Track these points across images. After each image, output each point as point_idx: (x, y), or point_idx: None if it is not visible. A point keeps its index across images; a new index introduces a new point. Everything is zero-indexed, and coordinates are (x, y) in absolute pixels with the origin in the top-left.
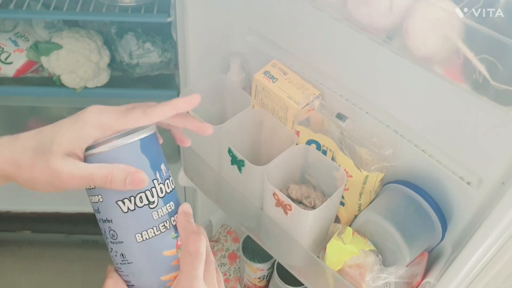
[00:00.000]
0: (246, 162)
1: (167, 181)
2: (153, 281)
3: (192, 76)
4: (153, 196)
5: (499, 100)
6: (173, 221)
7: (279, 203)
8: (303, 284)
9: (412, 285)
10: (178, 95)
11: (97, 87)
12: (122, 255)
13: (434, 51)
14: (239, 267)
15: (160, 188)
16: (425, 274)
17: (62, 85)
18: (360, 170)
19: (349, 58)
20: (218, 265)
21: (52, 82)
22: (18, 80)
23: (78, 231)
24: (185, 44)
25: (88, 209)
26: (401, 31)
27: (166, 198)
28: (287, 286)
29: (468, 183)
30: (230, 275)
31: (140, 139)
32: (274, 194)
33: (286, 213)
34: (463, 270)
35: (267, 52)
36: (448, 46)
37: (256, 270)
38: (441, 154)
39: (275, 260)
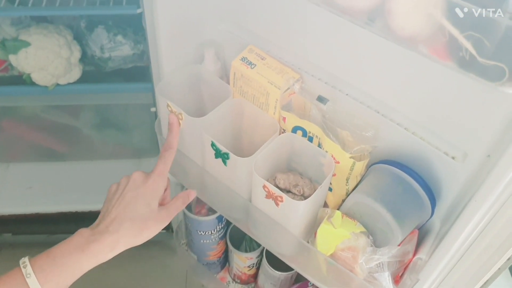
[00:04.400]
0: (231, 155)
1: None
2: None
3: (166, 69)
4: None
5: (487, 76)
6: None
7: (269, 195)
8: (293, 269)
9: (404, 262)
10: (153, 87)
11: (69, 83)
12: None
13: (418, 31)
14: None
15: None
16: (416, 251)
17: (33, 83)
18: (347, 155)
19: (328, 41)
20: None
21: (22, 80)
22: None
23: (60, 230)
24: (156, 35)
25: (68, 208)
26: (383, 12)
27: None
28: (277, 272)
29: (453, 158)
30: None
31: None
32: (264, 186)
33: (277, 204)
34: (454, 244)
35: (242, 39)
36: (432, 24)
37: (245, 259)
38: (424, 131)
39: (264, 247)
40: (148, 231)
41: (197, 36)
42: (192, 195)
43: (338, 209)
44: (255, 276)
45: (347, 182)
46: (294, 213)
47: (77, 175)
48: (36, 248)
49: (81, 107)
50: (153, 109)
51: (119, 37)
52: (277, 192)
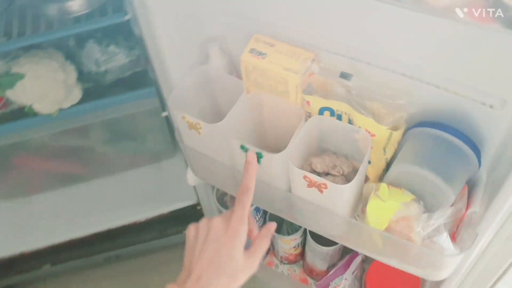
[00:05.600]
0: (265, 153)
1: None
2: None
3: (171, 71)
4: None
5: None
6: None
7: (311, 184)
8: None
9: (457, 219)
10: (156, 90)
11: (72, 105)
12: None
13: None
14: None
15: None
16: (467, 205)
17: (36, 114)
18: (383, 127)
19: (347, 17)
20: None
21: (25, 113)
22: None
23: (96, 251)
24: (155, 39)
25: (100, 228)
26: None
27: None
28: (325, 248)
29: (491, 106)
30: None
31: None
32: (305, 177)
33: (321, 191)
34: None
35: (245, 28)
36: None
37: (289, 241)
38: (456, 85)
39: None
40: (238, 283)
41: (198, 33)
42: (273, 227)
43: (380, 180)
44: (302, 254)
45: (384, 152)
46: (340, 196)
47: (101, 193)
48: (78, 272)
49: (90, 126)
50: (164, 114)
51: (112, 47)
52: (320, 180)
